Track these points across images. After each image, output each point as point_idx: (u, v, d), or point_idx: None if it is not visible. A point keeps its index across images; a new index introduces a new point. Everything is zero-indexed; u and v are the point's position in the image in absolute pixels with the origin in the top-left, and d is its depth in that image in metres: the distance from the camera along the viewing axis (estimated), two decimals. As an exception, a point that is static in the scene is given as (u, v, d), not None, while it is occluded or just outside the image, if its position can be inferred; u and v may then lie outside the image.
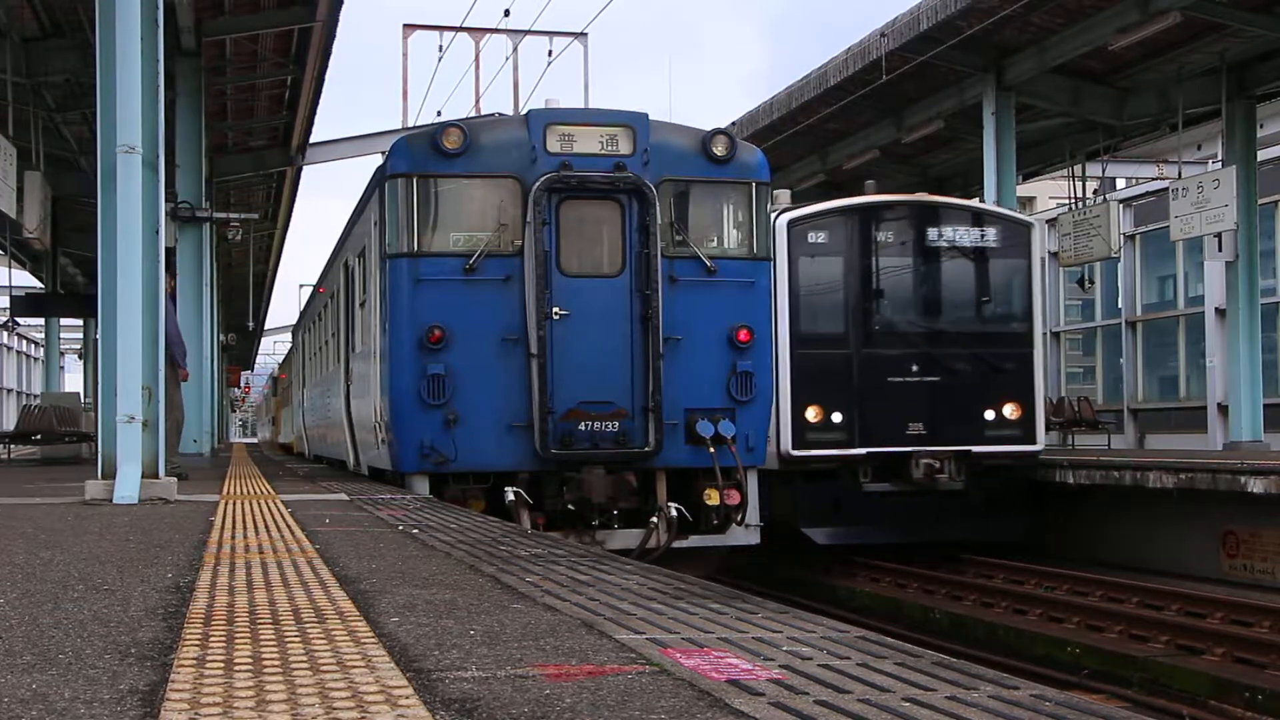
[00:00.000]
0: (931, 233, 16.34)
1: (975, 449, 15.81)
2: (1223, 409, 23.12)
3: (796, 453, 15.53)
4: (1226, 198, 19.12)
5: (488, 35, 25.05)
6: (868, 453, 15.66)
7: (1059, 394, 27.53)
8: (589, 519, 11.50)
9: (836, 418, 15.65)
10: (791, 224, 15.78)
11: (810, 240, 15.97)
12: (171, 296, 13.08)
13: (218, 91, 23.58)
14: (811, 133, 25.55)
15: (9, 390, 53.93)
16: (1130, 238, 27.36)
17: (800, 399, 15.60)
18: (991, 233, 16.55)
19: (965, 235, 16.45)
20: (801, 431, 15.58)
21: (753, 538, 12.14)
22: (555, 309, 11.37)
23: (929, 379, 15.91)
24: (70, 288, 33.67)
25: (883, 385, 15.80)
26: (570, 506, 11.45)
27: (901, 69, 20.89)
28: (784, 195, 17.08)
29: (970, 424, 15.91)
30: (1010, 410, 16.08)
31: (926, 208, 16.73)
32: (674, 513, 11.54)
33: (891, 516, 15.72)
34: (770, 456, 14.54)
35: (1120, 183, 31.96)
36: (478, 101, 25.56)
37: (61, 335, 43.18)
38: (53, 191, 23.60)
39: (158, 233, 9.99)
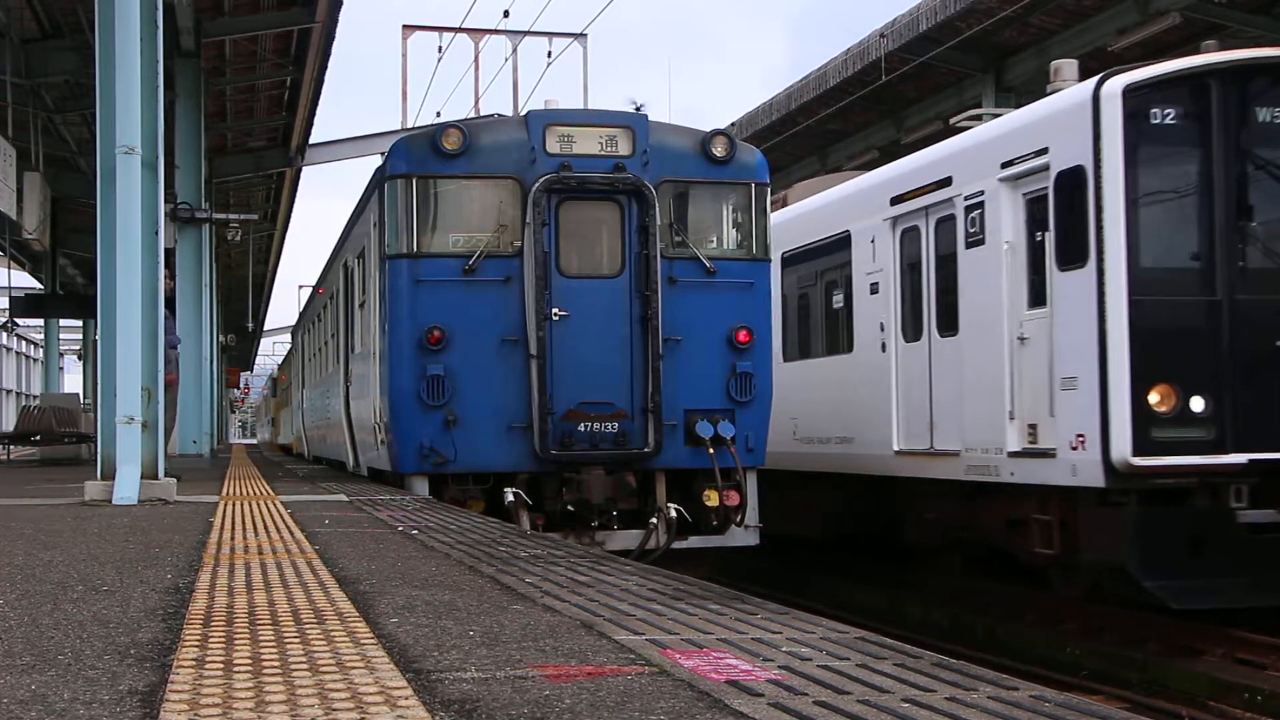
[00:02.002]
0: None
1: None
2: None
3: (1139, 461, 10.11)
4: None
5: (487, 36, 25.07)
6: (1249, 460, 10.26)
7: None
8: (588, 520, 11.48)
9: (1197, 405, 10.29)
10: (1130, 92, 10.44)
11: (1154, 121, 10.50)
12: (169, 299, 13.07)
13: (217, 92, 23.60)
14: (811, 133, 25.57)
15: (8, 391, 53.94)
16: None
17: (1142, 375, 10.23)
18: None
19: None
20: (1145, 427, 10.20)
21: (752, 539, 12.13)
22: (555, 310, 11.36)
23: None
24: (70, 288, 33.69)
25: (1270, 354, 10.45)
26: (570, 507, 11.44)
27: (901, 70, 20.91)
28: (1069, 66, 12.04)
29: None
30: None
31: None
32: (673, 514, 11.53)
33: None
34: (1084, 465, 10.43)
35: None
36: (477, 102, 25.58)
37: (61, 336, 43.21)
38: (52, 192, 23.63)
39: (157, 233, 10.00)
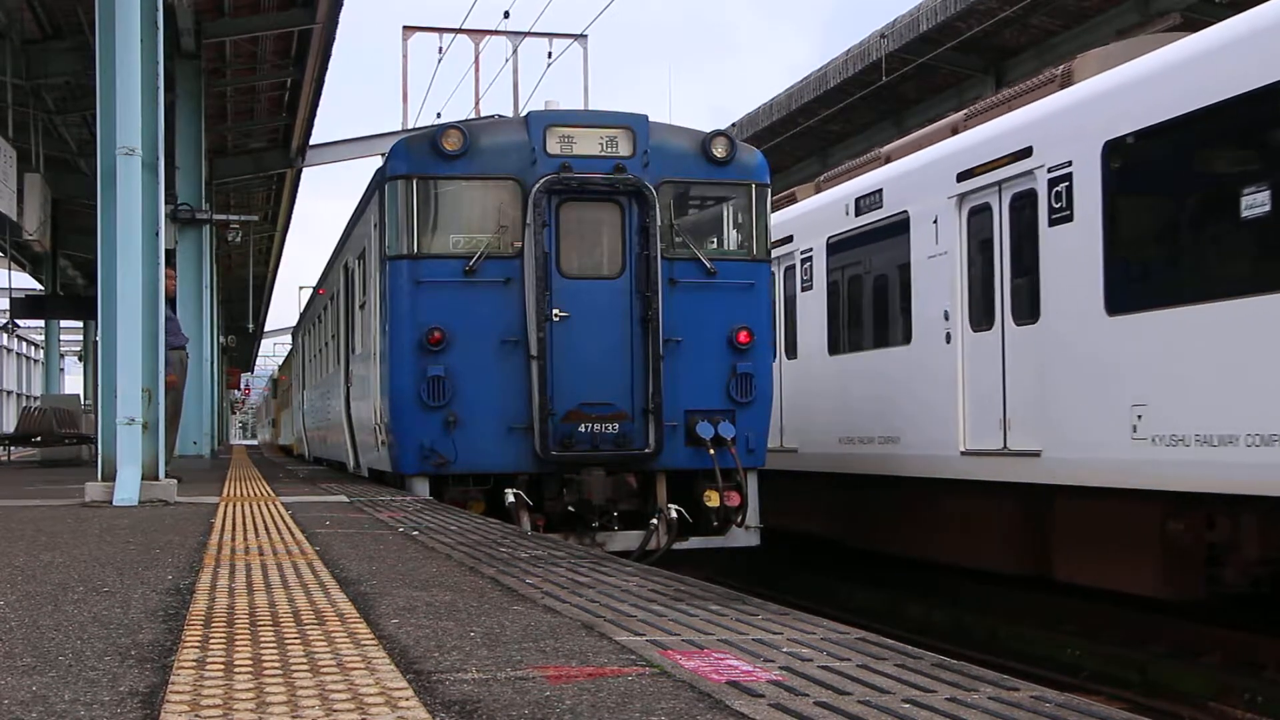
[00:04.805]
0: None
1: None
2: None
3: None
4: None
5: (487, 37, 25.09)
6: None
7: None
8: (589, 521, 11.49)
9: None
10: None
11: None
12: (170, 299, 13.07)
13: (217, 93, 23.59)
14: (811, 134, 25.58)
15: (9, 392, 53.97)
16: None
17: None
18: None
19: None
20: None
21: (752, 539, 12.13)
22: (555, 310, 11.37)
23: None
24: (70, 290, 33.68)
25: None
26: (570, 508, 11.45)
27: (901, 70, 20.92)
28: None
29: None
30: None
31: None
32: (674, 514, 11.54)
33: None
34: None
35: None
36: (477, 103, 25.60)
37: (61, 337, 43.23)
38: (52, 193, 23.62)
39: (157, 235, 10.00)
